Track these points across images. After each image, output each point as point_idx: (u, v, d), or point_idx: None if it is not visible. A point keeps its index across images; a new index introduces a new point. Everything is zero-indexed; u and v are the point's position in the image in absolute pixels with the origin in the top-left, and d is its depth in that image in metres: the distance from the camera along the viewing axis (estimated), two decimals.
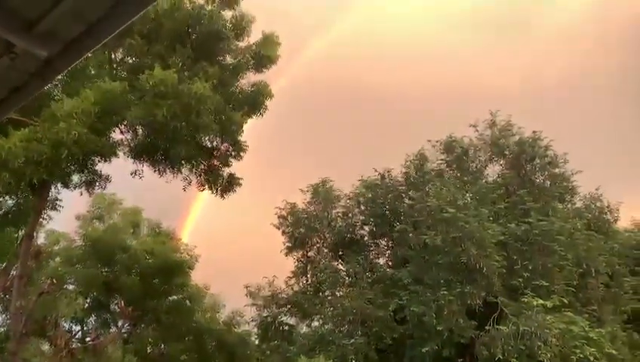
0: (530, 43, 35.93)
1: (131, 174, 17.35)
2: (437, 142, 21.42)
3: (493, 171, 21.45)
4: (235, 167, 17.91)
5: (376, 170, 20.95)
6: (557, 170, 20.55)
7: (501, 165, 21.22)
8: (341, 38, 29.44)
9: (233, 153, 17.52)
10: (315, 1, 33.87)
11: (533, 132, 20.56)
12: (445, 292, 16.44)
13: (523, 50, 35.70)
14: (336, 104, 35.51)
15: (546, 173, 20.63)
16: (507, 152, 20.92)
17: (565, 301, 16.63)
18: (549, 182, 20.67)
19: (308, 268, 20.86)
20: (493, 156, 21.28)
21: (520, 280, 17.02)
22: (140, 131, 16.70)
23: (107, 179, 17.18)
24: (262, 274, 21.22)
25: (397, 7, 33.85)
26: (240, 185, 18.20)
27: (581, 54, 34.54)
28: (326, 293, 19.83)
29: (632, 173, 28.42)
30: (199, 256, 25.80)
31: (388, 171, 20.94)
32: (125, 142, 17.01)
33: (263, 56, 17.26)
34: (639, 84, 33.51)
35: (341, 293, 19.05)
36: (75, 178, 16.58)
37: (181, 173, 17.59)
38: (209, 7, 16.49)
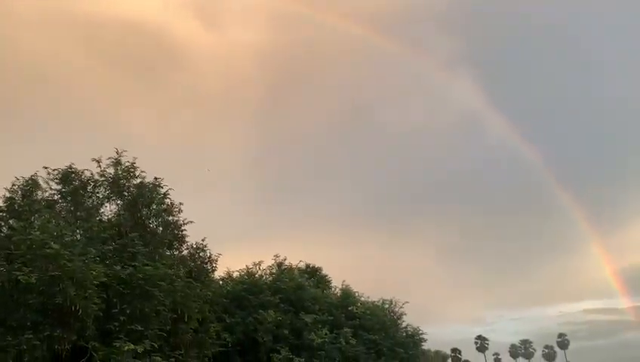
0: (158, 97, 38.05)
1: None
2: (54, 170, 19.92)
3: (110, 210, 21.09)
4: None
5: None
6: (171, 218, 21.57)
7: (118, 205, 21.05)
8: None
9: None
10: None
11: (155, 178, 21.24)
12: (31, 336, 14.91)
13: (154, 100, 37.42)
14: None
15: (161, 219, 21.43)
16: (127, 193, 20.94)
17: (156, 345, 17.23)
18: (161, 228, 21.48)
19: None
20: (112, 195, 20.96)
21: (116, 324, 16.86)
22: None
23: None
24: None
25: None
26: None
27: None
28: None
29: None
30: None
31: None
32: None
33: None
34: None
35: None
36: None
37: None
38: None
